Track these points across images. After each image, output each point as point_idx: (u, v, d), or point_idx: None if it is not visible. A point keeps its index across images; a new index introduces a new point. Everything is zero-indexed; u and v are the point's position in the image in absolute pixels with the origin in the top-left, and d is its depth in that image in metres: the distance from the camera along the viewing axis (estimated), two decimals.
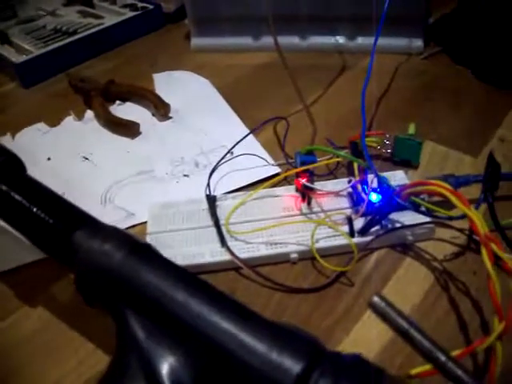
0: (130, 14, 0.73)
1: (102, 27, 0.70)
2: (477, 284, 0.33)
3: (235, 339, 0.20)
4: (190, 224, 0.37)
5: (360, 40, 0.61)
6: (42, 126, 0.55)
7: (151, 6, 0.74)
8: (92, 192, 0.44)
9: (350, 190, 0.37)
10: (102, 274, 0.23)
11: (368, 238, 0.34)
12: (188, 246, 0.35)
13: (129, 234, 0.25)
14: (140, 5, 0.75)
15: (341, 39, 0.61)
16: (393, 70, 0.57)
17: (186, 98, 0.55)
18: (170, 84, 0.59)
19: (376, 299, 0.22)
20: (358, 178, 0.37)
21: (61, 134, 0.54)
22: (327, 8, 0.59)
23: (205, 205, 0.38)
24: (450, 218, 0.33)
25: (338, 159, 0.40)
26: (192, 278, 0.22)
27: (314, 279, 0.34)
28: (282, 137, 0.47)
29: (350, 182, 0.37)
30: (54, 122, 0.55)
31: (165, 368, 0.20)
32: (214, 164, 0.43)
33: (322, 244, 0.34)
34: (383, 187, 0.35)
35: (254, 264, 0.34)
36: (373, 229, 0.35)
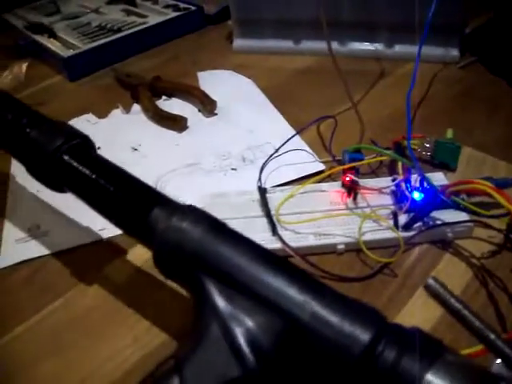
0: (173, 14, 0.75)
1: (146, 26, 0.73)
2: None
3: (309, 310, 0.22)
4: (242, 214, 0.39)
5: (397, 48, 0.63)
6: (90, 117, 0.58)
7: (193, 8, 0.77)
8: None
9: (394, 187, 0.39)
10: (182, 249, 0.25)
11: (411, 233, 0.36)
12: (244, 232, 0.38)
13: (205, 212, 0.27)
14: (182, 5, 0.78)
15: (379, 46, 0.64)
16: (430, 78, 0.59)
17: (231, 96, 0.58)
18: (215, 82, 0.61)
19: (431, 281, 0.24)
20: (401, 177, 0.38)
21: (109, 125, 0.57)
22: (367, 15, 0.62)
23: (255, 196, 0.40)
24: (489, 217, 0.35)
25: (381, 158, 0.42)
26: (267, 252, 0.25)
27: (359, 269, 0.36)
28: (326, 136, 0.49)
29: (394, 180, 0.39)
30: (101, 114, 0.58)
31: (243, 332, 0.22)
32: (260, 159, 0.45)
33: (368, 236, 0.36)
34: (426, 186, 0.37)
35: (303, 253, 0.36)
36: (415, 225, 0.37)
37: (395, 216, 0.37)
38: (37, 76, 0.70)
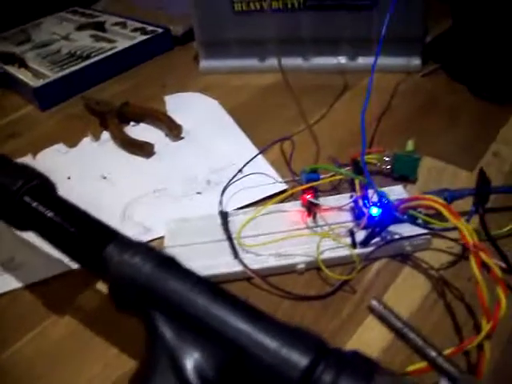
0: (141, 37, 0.76)
1: (114, 51, 0.74)
2: (471, 290, 0.35)
3: (250, 337, 0.23)
4: (205, 238, 0.40)
5: (361, 60, 0.64)
6: (61, 146, 0.59)
7: (160, 30, 0.78)
8: (111, 209, 0.47)
9: (352, 204, 0.40)
10: (133, 283, 0.26)
11: (369, 249, 0.37)
12: (203, 258, 0.38)
13: (154, 248, 0.28)
14: (149, 28, 0.79)
15: (342, 59, 0.65)
16: (392, 88, 0.60)
17: (197, 119, 0.59)
18: (181, 105, 0.62)
19: (374, 303, 0.25)
20: (359, 194, 0.39)
21: (79, 154, 0.57)
22: (328, 30, 0.63)
23: (218, 220, 0.41)
24: (445, 229, 0.36)
25: (340, 176, 0.43)
26: (212, 285, 0.25)
27: (319, 288, 0.37)
28: (289, 155, 0.50)
29: (351, 197, 0.40)
30: (72, 142, 0.59)
31: (190, 362, 0.23)
32: (225, 182, 0.46)
33: (326, 255, 0.37)
34: (383, 202, 0.38)
35: (264, 274, 0.37)
36: (373, 240, 0.38)
37: (352, 233, 0.37)
38: (8, 107, 0.70)
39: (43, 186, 0.34)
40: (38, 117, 0.68)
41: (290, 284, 0.37)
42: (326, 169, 0.42)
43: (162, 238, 0.43)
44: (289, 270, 0.38)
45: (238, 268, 0.37)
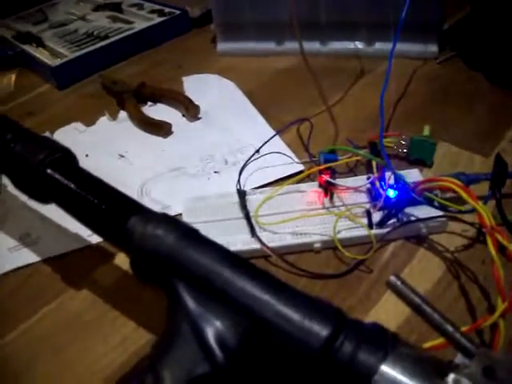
0: (158, 19, 0.76)
1: (132, 32, 0.74)
2: (485, 273, 0.36)
3: (272, 308, 0.23)
4: (222, 216, 0.41)
5: (378, 45, 0.64)
6: (78, 125, 0.59)
7: (178, 12, 0.78)
8: (129, 186, 0.48)
9: (369, 186, 0.41)
10: (157, 254, 0.26)
11: (385, 230, 0.38)
12: (220, 235, 0.38)
13: (178, 220, 0.28)
14: (167, 10, 0.79)
15: (359, 44, 0.65)
16: (409, 75, 0.60)
17: (214, 100, 0.59)
18: (199, 86, 0.62)
19: (393, 278, 0.25)
20: (376, 175, 0.40)
21: (97, 133, 0.58)
22: (346, 14, 0.63)
23: (235, 199, 0.42)
24: (461, 212, 0.36)
25: (357, 158, 0.43)
26: (234, 256, 0.26)
27: (335, 267, 0.38)
28: (306, 137, 0.50)
29: (368, 178, 0.41)
30: (89, 121, 0.60)
31: (212, 331, 0.24)
32: (242, 161, 0.47)
33: (343, 235, 0.38)
34: (399, 183, 0.38)
35: (281, 252, 0.37)
36: (390, 222, 0.38)
37: (369, 214, 0.38)
38: (26, 86, 0.71)
39: (66, 159, 0.34)
40: (56, 96, 0.68)
41: (306, 262, 0.38)
42: (344, 150, 0.42)
43: (179, 215, 0.43)
44: (305, 249, 0.38)
45: (256, 246, 0.38)
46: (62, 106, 0.66)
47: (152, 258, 0.27)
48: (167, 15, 0.77)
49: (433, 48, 0.63)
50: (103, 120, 0.60)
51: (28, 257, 0.44)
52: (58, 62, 0.69)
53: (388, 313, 0.34)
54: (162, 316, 0.35)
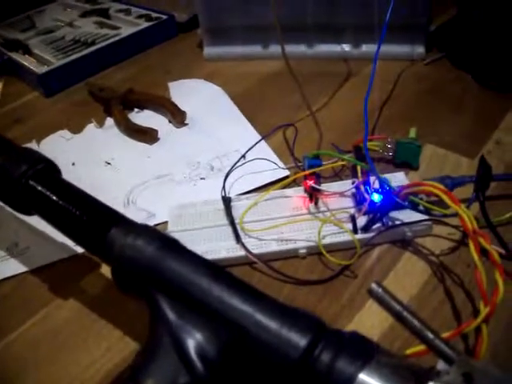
0: (145, 24, 0.76)
1: (118, 38, 0.74)
2: (470, 276, 0.36)
3: (251, 318, 0.23)
4: (208, 223, 0.41)
5: (364, 47, 0.64)
6: (65, 133, 0.59)
7: (165, 17, 0.78)
8: (115, 194, 0.48)
9: (354, 190, 0.41)
10: (136, 265, 0.26)
11: (370, 235, 0.38)
12: (206, 243, 0.39)
13: (158, 231, 0.28)
14: (154, 15, 0.79)
15: (346, 47, 0.65)
16: (396, 76, 0.60)
17: (201, 105, 0.59)
18: (185, 92, 0.62)
19: (374, 286, 0.25)
20: (360, 180, 0.40)
21: (83, 140, 0.58)
22: (332, 17, 0.63)
23: (221, 205, 0.42)
24: (445, 216, 0.36)
25: (342, 162, 0.43)
26: (213, 266, 0.26)
27: (320, 272, 0.38)
28: (291, 141, 0.50)
29: (353, 183, 0.41)
30: (76, 129, 0.59)
31: (193, 343, 0.23)
32: (228, 167, 0.47)
33: (328, 240, 0.38)
34: (384, 188, 0.38)
35: (267, 259, 0.37)
36: (374, 226, 0.38)
37: (353, 219, 0.38)
38: (13, 93, 0.71)
39: (48, 170, 0.34)
40: (43, 103, 0.68)
41: (291, 269, 0.38)
42: (328, 155, 0.42)
43: (165, 222, 0.43)
44: (291, 255, 0.38)
45: (241, 252, 0.38)
46: (49, 113, 0.66)
47: (131, 268, 0.27)
48: (154, 20, 0.77)
49: (420, 49, 0.63)
50: (90, 127, 0.59)
51: (15, 267, 0.44)
52: (44, 69, 0.69)
53: (372, 319, 0.34)
54: (146, 326, 0.35)
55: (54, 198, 0.31)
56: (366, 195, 0.39)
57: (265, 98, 0.60)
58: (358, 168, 0.40)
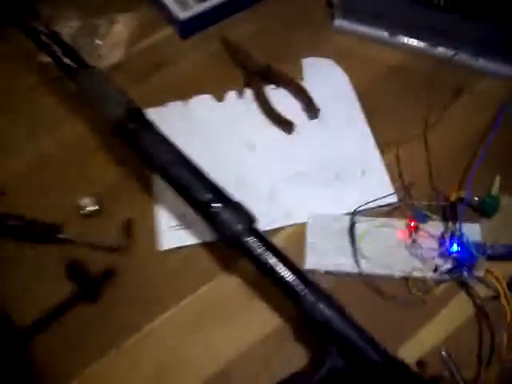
0: None
1: None
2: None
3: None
4: (336, 238, 0.56)
5: (481, 61, 0.67)
6: (207, 100, 0.67)
7: None
8: (257, 185, 0.58)
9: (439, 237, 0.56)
10: (323, 324, 0.46)
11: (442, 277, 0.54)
12: (336, 256, 0.55)
13: (331, 296, 0.46)
14: None
15: (465, 56, 0.67)
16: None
17: (329, 95, 0.66)
18: (316, 73, 0.68)
19: (444, 354, 0.46)
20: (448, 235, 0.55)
21: (226, 113, 0.65)
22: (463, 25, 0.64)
23: (346, 223, 0.57)
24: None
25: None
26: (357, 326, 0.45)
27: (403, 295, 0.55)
28: (404, 159, 0.59)
29: (442, 237, 0.56)
30: (215, 91, 0.66)
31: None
32: (349, 177, 0.59)
33: (415, 274, 0.55)
34: (463, 246, 0.54)
35: (372, 280, 0.55)
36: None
37: (436, 268, 0.54)
38: (149, 25, 0.75)
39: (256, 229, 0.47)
40: (179, 46, 0.73)
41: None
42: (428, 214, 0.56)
43: (300, 224, 0.56)
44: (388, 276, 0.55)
45: (356, 270, 0.55)
46: (188, 62, 0.71)
47: (319, 326, 0.45)
48: None
49: None
50: (231, 96, 0.67)
51: (187, 238, 0.54)
52: (186, 14, 0.72)
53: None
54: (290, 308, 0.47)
55: (262, 258, 0.45)
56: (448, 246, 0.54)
57: (385, 97, 0.66)
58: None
